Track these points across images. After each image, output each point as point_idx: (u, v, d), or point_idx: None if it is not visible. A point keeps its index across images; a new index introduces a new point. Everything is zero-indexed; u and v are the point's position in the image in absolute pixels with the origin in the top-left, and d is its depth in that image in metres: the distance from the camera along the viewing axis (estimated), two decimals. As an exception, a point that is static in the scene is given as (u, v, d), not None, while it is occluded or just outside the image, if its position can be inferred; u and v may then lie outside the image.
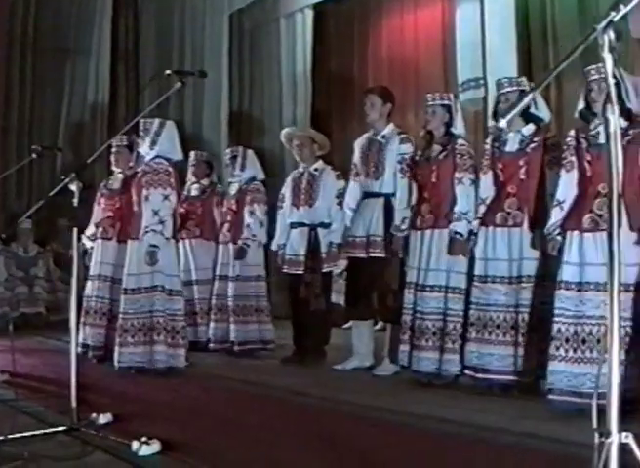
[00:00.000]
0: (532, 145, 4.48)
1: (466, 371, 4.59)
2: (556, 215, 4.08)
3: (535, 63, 7.90)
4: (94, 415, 3.82)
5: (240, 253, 6.18)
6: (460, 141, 4.86)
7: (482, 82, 8.00)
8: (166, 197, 5.22)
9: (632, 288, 3.80)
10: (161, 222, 5.17)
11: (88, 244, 6.24)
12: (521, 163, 4.49)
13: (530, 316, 4.36)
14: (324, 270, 5.79)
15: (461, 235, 4.66)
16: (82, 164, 4.41)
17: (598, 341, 3.80)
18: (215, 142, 9.43)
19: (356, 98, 9.76)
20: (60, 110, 10.47)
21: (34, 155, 5.50)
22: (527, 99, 2.49)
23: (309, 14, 9.56)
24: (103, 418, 3.83)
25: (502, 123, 2.33)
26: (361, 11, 9.84)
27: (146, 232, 5.20)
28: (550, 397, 3.92)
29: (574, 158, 4.09)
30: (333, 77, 10.03)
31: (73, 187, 4.45)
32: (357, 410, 4.10)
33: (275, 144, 9.57)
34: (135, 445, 3.27)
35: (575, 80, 7.42)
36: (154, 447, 3.26)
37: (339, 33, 10.06)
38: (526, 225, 4.43)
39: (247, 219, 6.24)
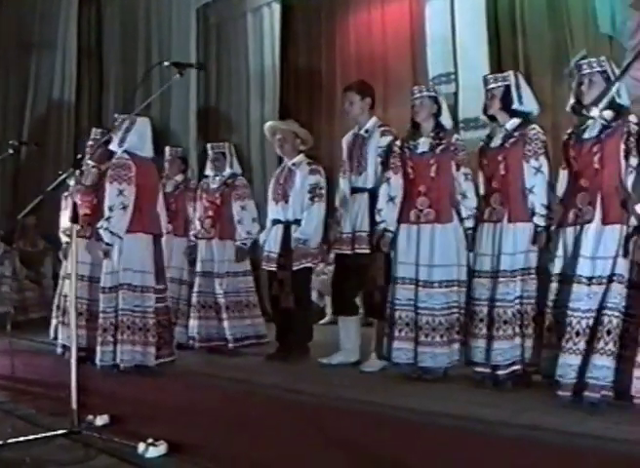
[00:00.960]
0: (511, 140, 4.52)
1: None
2: (558, 214, 4.20)
3: (504, 58, 7.96)
4: (90, 417, 3.72)
5: (241, 254, 6.14)
6: (456, 136, 4.91)
7: (453, 77, 8.05)
8: (120, 192, 5.12)
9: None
10: (108, 219, 5.10)
11: (64, 239, 6.15)
12: (500, 158, 4.54)
13: (511, 310, 4.40)
14: (293, 268, 5.68)
15: (474, 230, 4.72)
16: (79, 159, 4.33)
17: (577, 333, 3.87)
18: (183, 137, 9.31)
19: (324, 94, 9.76)
20: (24, 105, 10.27)
21: (10, 150, 5.35)
22: (615, 88, 2.51)
23: (277, 8, 9.47)
24: (100, 420, 3.73)
25: (595, 112, 2.36)
26: (328, 6, 9.76)
27: (98, 228, 5.15)
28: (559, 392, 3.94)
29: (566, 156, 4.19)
30: (300, 73, 9.95)
31: (72, 182, 4.35)
32: (354, 406, 4.08)
33: (242, 140, 9.50)
34: (141, 447, 3.19)
35: (546, 75, 7.55)
36: (161, 448, 3.19)
37: (306, 28, 9.97)
38: (505, 220, 4.47)
39: (239, 215, 6.18)
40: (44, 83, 10.37)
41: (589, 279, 3.89)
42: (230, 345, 6.12)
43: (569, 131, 4.22)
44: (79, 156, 4.76)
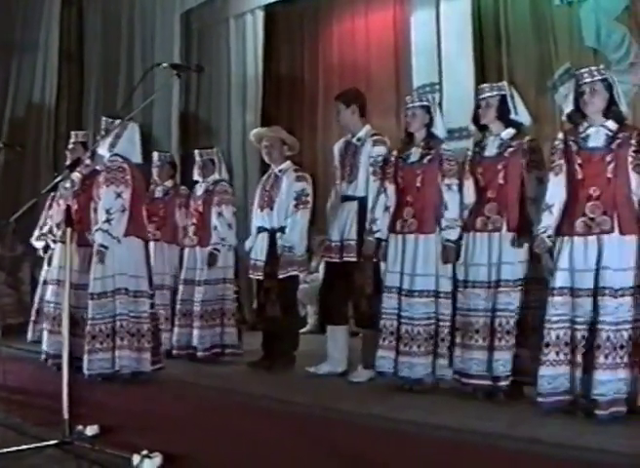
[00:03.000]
0: (510, 149, 4.50)
1: (455, 376, 4.59)
2: (546, 219, 4.10)
3: (488, 69, 7.99)
4: (80, 427, 3.61)
5: (212, 260, 6.05)
6: (444, 146, 4.85)
7: (437, 87, 8.06)
8: (118, 195, 5.03)
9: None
10: (108, 221, 4.98)
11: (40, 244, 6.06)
12: (499, 167, 4.51)
13: (514, 320, 4.37)
14: (280, 276, 5.62)
15: (454, 242, 4.67)
16: (75, 160, 4.22)
17: (590, 347, 3.85)
18: (165, 143, 9.20)
19: (306, 102, 9.75)
20: (3, 107, 10.12)
21: (-6, 151, 5.25)
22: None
23: (260, 15, 9.41)
24: (90, 430, 3.60)
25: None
26: (312, 14, 9.77)
27: (96, 231, 5.03)
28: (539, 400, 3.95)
29: (562, 161, 4.13)
30: (283, 80, 9.93)
31: (67, 185, 4.23)
32: (348, 418, 4.06)
33: (224, 147, 9.41)
34: (135, 458, 3.08)
35: (530, 87, 7.58)
36: (156, 460, 3.07)
37: (289, 36, 9.97)
38: (504, 230, 4.45)
39: (214, 221, 6.10)
40: (24, 85, 10.23)
41: (616, 291, 3.85)
42: (199, 353, 6.06)
43: (560, 136, 4.17)
44: (74, 158, 4.63)
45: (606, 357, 3.77)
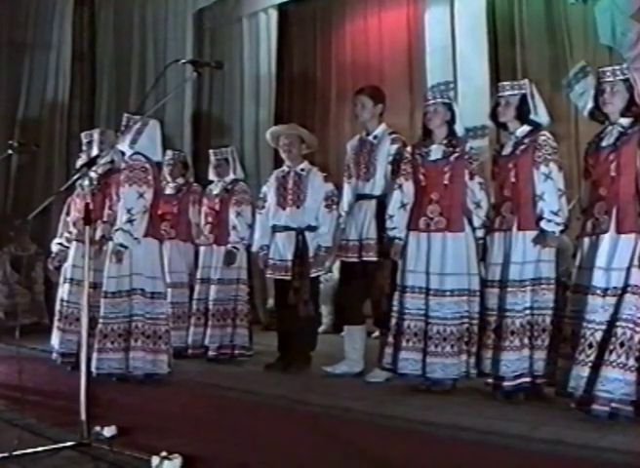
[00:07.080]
0: (521, 147, 4.47)
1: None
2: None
3: (502, 67, 7.95)
4: (97, 428, 3.56)
5: (230, 258, 6.00)
6: (469, 144, 4.83)
7: (452, 85, 8.00)
8: (141, 195, 4.98)
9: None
10: (130, 221, 4.93)
11: (57, 243, 6.03)
12: (510, 166, 4.48)
13: (519, 321, 4.33)
14: (312, 275, 5.60)
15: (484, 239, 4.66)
16: (93, 158, 4.19)
17: (589, 346, 3.82)
18: (177, 141, 9.18)
19: (318, 101, 9.71)
20: (16, 106, 10.12)
21: (10, 151, 5.19)
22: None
23: (273, 14, 9.40)
24: (108, 431, 3.56)
25: None
26: (325, 12, 9.74)
27: (116, 230, 4.99)
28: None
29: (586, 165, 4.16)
30: (295, 79, 9.90)
31: (85, 182, 4.19)
32: (365, 418, 4.02)
33: (236, 145, 9.36)
34: (155, 460, 3.04)
35: (544, 85, 7.51)
36: (176, 462, 3.03)
37: (302, 34, 9.94)
38: (515, 229, 4.41)
39: (233, 221, 6.06)
40: (37, 84, 10.22)
41: (604, 290, 3.83)
42: (210, 353, 6.05)
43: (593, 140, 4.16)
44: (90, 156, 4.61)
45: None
